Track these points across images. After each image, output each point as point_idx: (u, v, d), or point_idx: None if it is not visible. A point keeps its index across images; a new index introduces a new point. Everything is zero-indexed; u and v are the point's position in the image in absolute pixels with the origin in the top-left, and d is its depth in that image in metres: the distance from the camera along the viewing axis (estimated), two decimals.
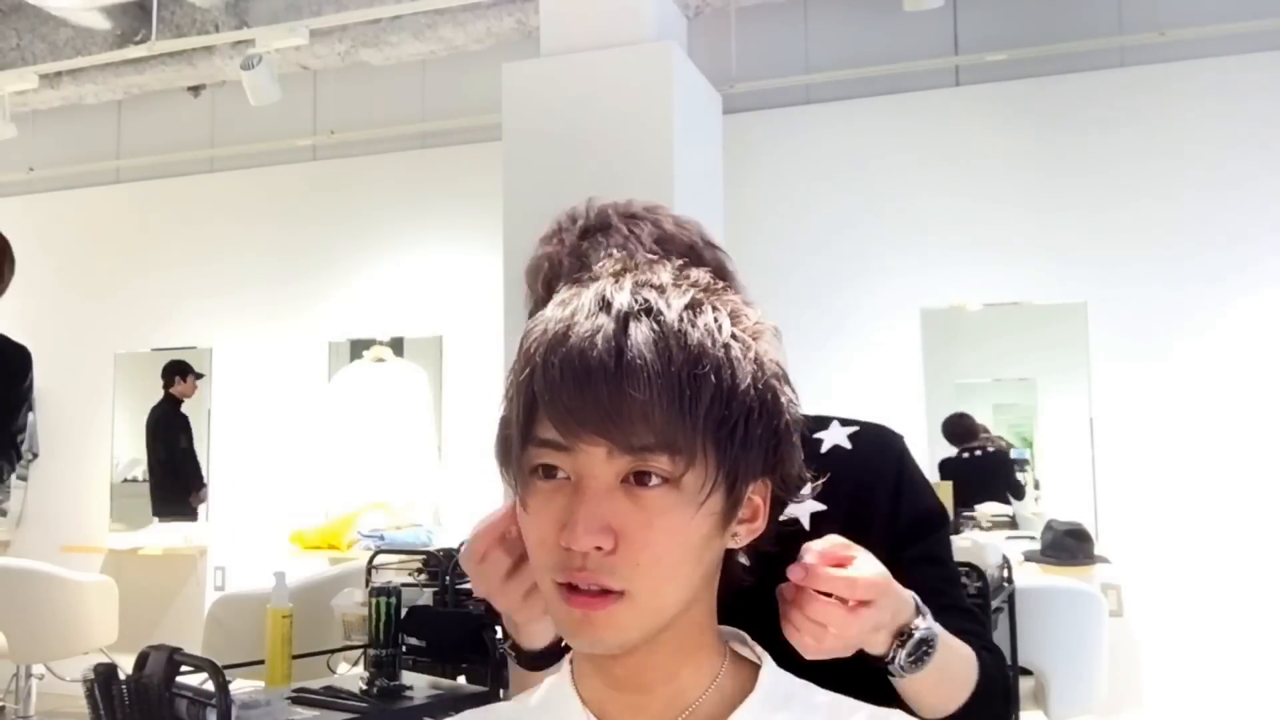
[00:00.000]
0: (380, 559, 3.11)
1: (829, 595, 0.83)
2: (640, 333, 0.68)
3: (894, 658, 0.90)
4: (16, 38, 5.21)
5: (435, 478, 5.14)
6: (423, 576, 2.93)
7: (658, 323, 0.69)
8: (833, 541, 0.87)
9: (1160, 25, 4.28)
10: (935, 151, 4.51)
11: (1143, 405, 4.20)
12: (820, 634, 0.82)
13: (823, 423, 1.18)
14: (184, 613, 5.50)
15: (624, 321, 0.69)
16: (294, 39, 4.63)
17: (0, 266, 3.00)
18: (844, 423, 1.18)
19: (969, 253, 4.43)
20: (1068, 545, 4.05)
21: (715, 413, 0.68)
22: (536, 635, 0.93)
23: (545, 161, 3.93)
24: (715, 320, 0.71)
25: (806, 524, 1.08)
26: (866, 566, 0.86)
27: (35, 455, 6.00)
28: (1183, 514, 4.07)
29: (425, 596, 2.60)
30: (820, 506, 1.09)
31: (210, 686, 1.70)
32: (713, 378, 0.68)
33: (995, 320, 4.50)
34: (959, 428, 4.54)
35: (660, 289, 0.72)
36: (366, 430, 5.25)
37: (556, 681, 0.80)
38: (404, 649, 2.25)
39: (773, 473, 0.75)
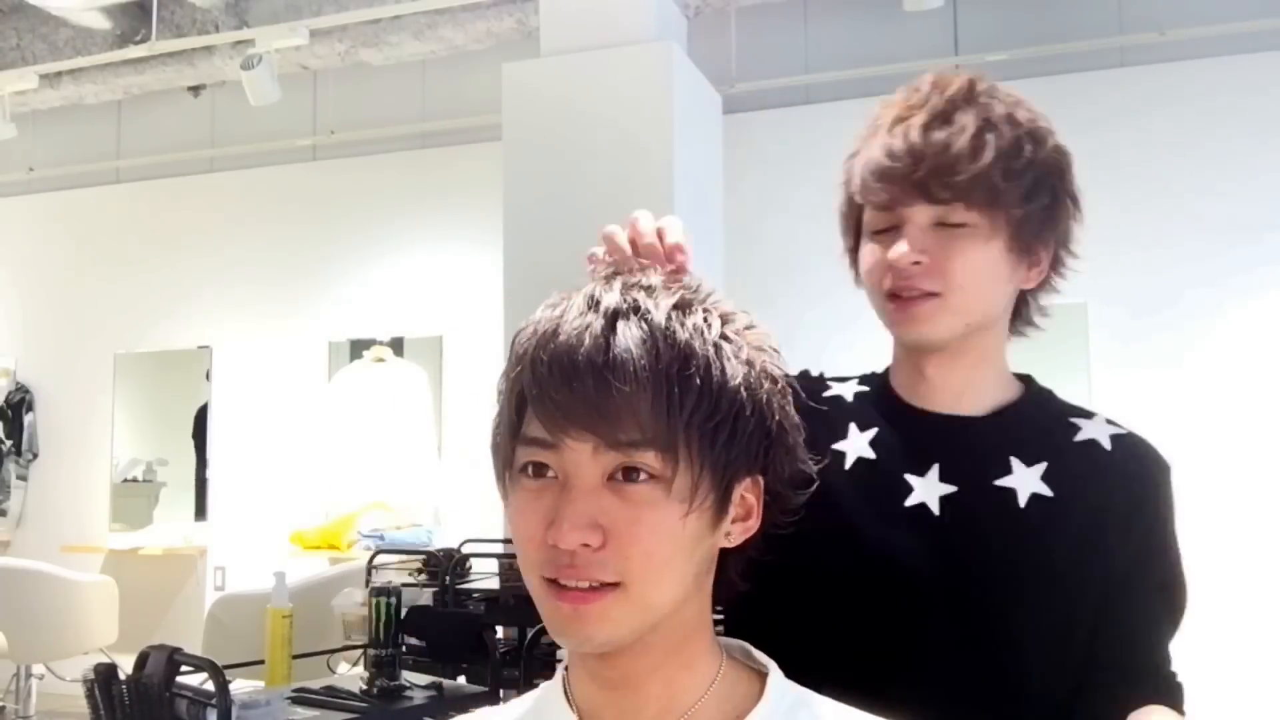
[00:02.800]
0: (380, 559, 3.11)
1: None
2: (628, 330, 0.69)
3: None
4: (16, 38, 5.21)
5: (435, 478, 5.14)
6: (423, 576, 2.93)
7: (645, 321, 0.69)
8: None
9: (1160, 25, 4.27)
10: None
11: (1142, 405, 4.20)
12: None
13: (1086, 414, 1.08)
14: (184, 613, 5.50)
15: (612, 319, 0.69)
16: (294, 39, 4.63)
17: None
18: (1110, 422, 1.08)
19: None
20: None
21: (703, 410, 0.68)
22: None
23: (545, 161, 3.93)
24: (705, 319, 0.71)
25: (1023, 500, 1.00)
26: None
27: (35, 455, 6.01)
28: (1182, 514, 4.06)
29: (425, 596, 2.60)
30: (1045, 490, 1.00)
31: (210, 686, 1.70)
32: (699, 375, 0.68)
33: None
34: None
35: (649, 289, 0.72)
36: (366, 430, 5.25)
37: (550, 686, 0.79)
38: (404, 649, 2.24)
39: (765, 472, 0.75)
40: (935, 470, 1.00)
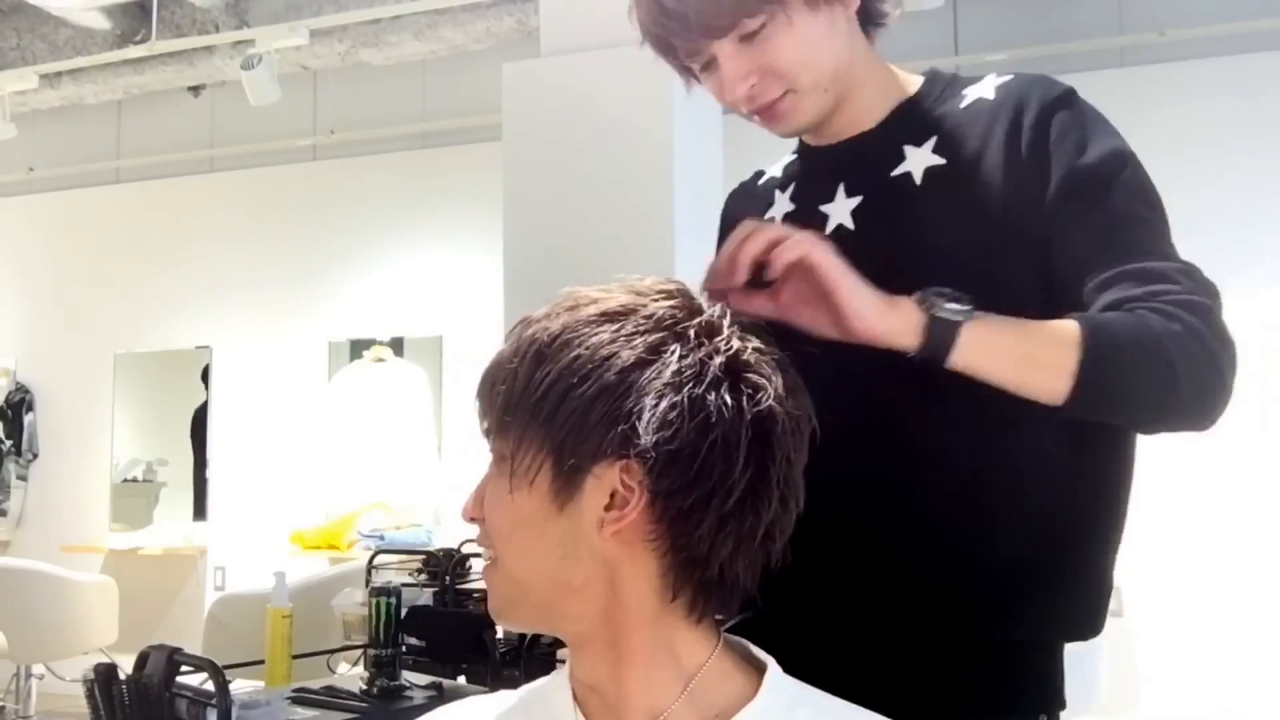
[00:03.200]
0: (380, 559, 3.11)
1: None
2: (508, 347, 0.80)
3: (928, 327, 0.82)
4: (16, 38, 5.21)
5: (435, 478, 5.14)
6: (423, 576, 2.93)
7: (526, 335, 0.78)
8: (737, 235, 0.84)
9: (1160, 25, 4.27)
10: None
11: None
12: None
13: (979, 80, 1.02)
14: (184, 613, 5.50)
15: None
16: (294, 39, 4.62)
17: None
18: (1002, 75, 1.02)
19: None
20: None
21: (525, 399, 0.76)
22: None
23: (545, 161, 3.93)
24: (561, 333, 0.77)
25: (919, 179, 0.97)
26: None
27: (35, 455, 6.01)
28: (1183, 513, 4.07)
29: (425, 596, 2.60)
30: (938, 160, 0.97)
31: (210, 686, 1.70)
32: (521, 368, 0.77)
33: None
34: None
35: (547, 315, 0.79)
36: (366, 430, 5.25)
37: (559, 672, 0.82)
38: (404, 649, 2.25)
39: (636, 455, 0.72)
40: (841, 190, 1.02)
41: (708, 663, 0.76)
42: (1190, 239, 4.18)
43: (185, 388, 5.82)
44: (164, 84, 5.42)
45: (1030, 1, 4.49)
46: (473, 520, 0.80)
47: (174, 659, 1.69)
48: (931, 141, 0.98)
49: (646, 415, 0.72)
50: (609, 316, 0.76)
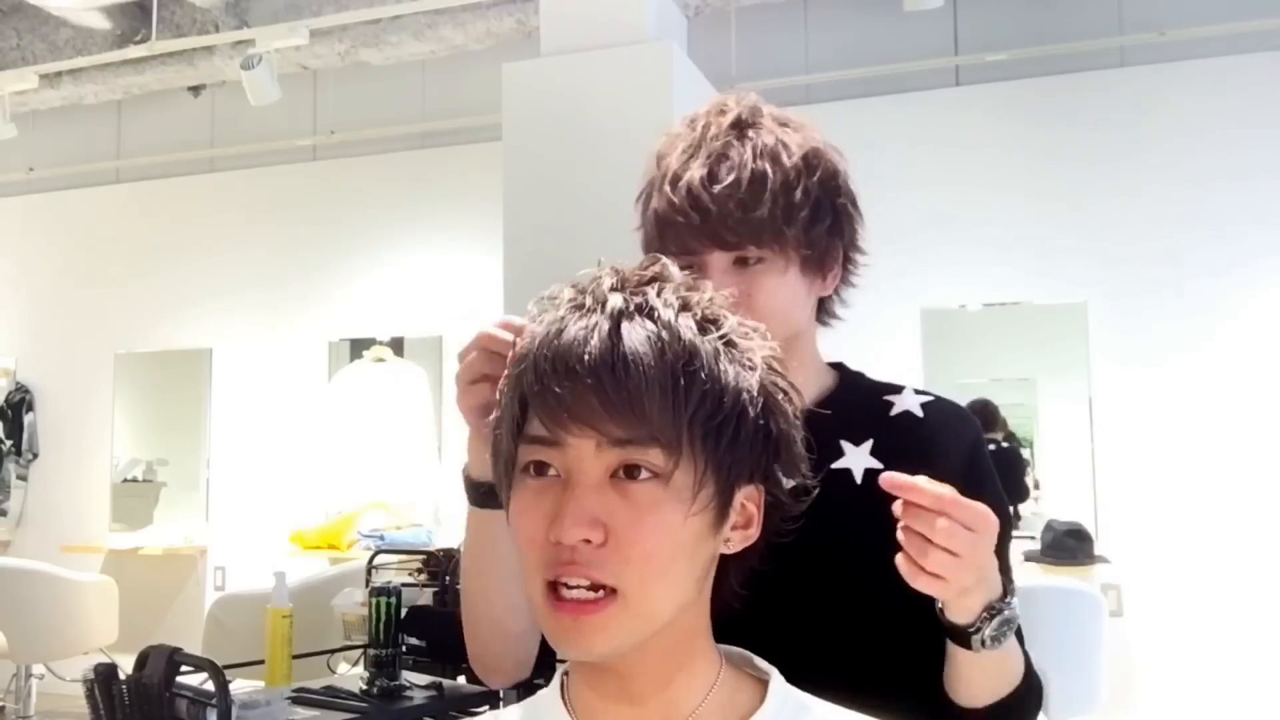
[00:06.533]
0: (380, 559, 3.11)
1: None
2: (634, 330, 0.68)
3: (979, 629, 0.88)
4: (16, 38, 5.21)
5: (435, 478, 5.14)
6: (423, 576, 2.93)
7: (651, 319, 0.70)
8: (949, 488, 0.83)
9: (1160, 25, 4.27)
10: (935, 152, 4.51)
11: (1143, 405, 4.20)
12: (948, 566, 0.81)
13: (895, 389, 1.17)
14: (184, 613, 5.50)
15: (617, 318, 0.69)
16: (294, 39, 4.62)
17: None
18: (918, 392, 1.17)
19: (969, 253, 4.43)
20: (1068, 545, 4.05)
21: (708, 407, 0.68)
22: (483, 466, 0.90)
23: (545, 161, 3.93)
24: (712, 322, 0.72)
25: (859, 478, 1.06)
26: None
27: (35, 455, 6.01)
28: (1183, 514, 4.07)
29: (425, 596, 2.60)
30: (876, 464, 1.07)
31: (210, 686, 1.70)
32: (704, 373, 0.69)
33: (995, 320, 4.49)
34: (983, 414, 4.49)
35: (657, 289, 0.72)
36: (366, 430, 5.25)
37: (546, 694, 0.79)
38: (404, 649, 2.25)
39: (767, 479, 0.75)
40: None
41: (723, 668, 0.76)
42: (1189, 238, 4.23)
43: (186, 388, 5.82)
44: (164, 84, 5.42)
45: (1030, 1, 4.49)
46: (586, 543, 0.68)
47: (174, 659, 1.70)
48: (868, 444, 1.09)
49: (793, 446, 0.75)
50: (736, 325, 0.75)
